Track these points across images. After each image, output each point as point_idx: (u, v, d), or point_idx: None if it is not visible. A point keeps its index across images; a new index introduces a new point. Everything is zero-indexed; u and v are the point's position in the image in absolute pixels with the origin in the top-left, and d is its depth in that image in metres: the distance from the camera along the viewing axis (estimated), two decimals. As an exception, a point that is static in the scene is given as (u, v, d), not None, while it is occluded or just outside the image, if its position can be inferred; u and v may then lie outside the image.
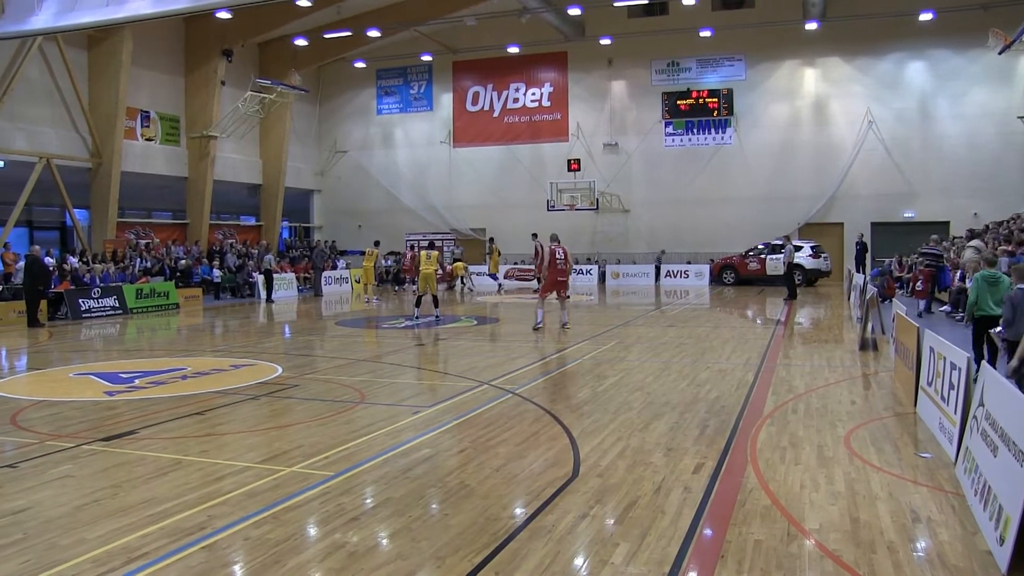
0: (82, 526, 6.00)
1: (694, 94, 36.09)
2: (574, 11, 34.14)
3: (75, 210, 29.63)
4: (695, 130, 36.48)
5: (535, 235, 29.00)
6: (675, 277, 35.46)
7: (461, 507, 6.33)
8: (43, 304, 22.32)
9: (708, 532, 5.80)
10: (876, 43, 33.68)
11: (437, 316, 20.94)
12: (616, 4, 33.72)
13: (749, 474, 7.09)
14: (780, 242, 31.14)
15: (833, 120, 34.67)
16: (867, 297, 16.12)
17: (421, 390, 11.59)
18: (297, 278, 33.48)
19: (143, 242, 31.68)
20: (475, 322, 21.20)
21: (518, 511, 6.28)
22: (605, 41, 36.14)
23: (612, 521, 5.98)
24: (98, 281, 25.37)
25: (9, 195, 27.04)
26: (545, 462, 7.55)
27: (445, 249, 37.95)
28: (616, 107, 37.71)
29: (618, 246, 37.70)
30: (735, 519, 5.99)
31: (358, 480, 7.07)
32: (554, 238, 18.55)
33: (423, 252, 21.19)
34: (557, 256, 18.19)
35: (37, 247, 22.63)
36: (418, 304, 21.09)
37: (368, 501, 6.55)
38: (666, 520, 5.98)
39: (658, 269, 35.87)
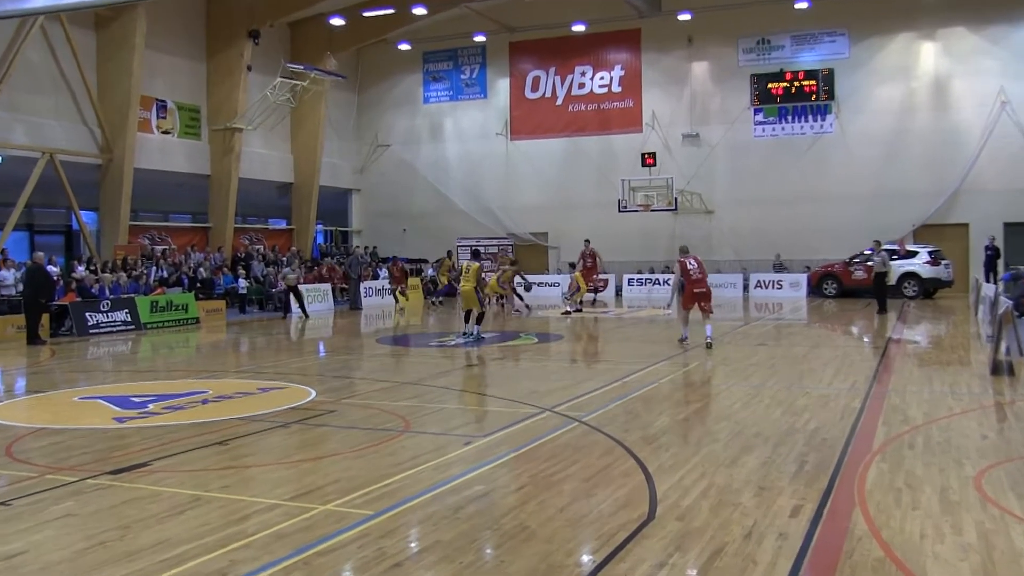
0: (85, 572, 6.02)
1: (788, 76, 35.79)
2: (649, -19, 34.13)
3: (82, 212, 30.29)
4: (789, 117, 36.16)
5: (588, 241, 29.19)
6: (766, 288, 35.12)
7: (520, 552, 6.25)
8: (45, 318, 22.72)
9: (812, 588, 5.65)
10: (1012, 8, 32.91)
11: (465, 333, 20.71)
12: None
13: (857, 519, 6.89)
14: (894, 247, 30.59)
15: (956, 103, 34.02)
16: (1000, 312, 15.69)
17: (474, 417, 11.54)
18: (334, 289, 33.77)
19: (159, 248, 32.25)
20: (536, 340, 21.16)
21: (585, 558, 6.18)
22: (684, 16, 35.98)
23: (694, 572, 5.85)
24: (107, 292, 25.83)
25: (8, 195, 27.58)
26: (616, 502, 7.43)
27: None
28: (697, 92, 37.51)
29: (700, 252, 37.19)
30: (841, 572, 5.82)
31: (401, 520, 7.02)
32: (684, 250, 19.04)
33: (463, 264, 21.61)
34: (690, 267, 18.30)
35: (40, 254, 23.10)
36: (467, 319, 21.05)
37: (413, 545, 6.49)
38: (758, 572, 5.83)
39: (777, 266, 35.67)
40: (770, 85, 36.03)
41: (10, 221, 27.73)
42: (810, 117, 35.89)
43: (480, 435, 10.15)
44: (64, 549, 6.50)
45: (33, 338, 21.78)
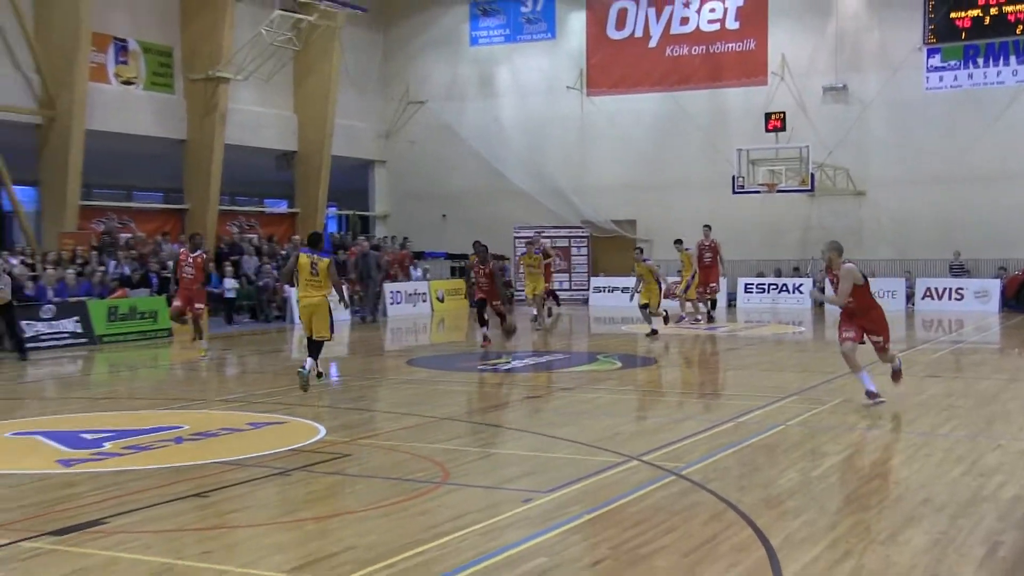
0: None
1: (981, 1, 35.22)
2: None
3: (16, 188, 30.65)
4: (980, 61, 35.46)
5: (708, 227, 28.73)
6: (939, 298, 34.73)
7: (599, 651, 6.26)
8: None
9: None
10: None
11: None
12: None
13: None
14: None
15: None
16: None
17: (535, 466, 11.55)
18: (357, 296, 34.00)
19: (123, 236, 32.61)
20: (619, 364, 21.13)
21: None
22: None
23: None
24: (50, 294, 26.17)
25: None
26: (729, 585, 7.43)
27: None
28: (846, 28, 37.20)
29: (846, 249, 36.59)
30: None
31: (438, 603, 7.07)
32: (839, 249, 15.99)
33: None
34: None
35: None
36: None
37: (454, 637, 6.55)
38: None
39: (956, 269, 35.33)
40: (953, 14, 35.25)
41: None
42: (1012, 60, 35.03)
43: (543, 491, 10.17)
44: (-8, 634, 6.65)
45: None
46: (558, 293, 33.68)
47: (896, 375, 15.47)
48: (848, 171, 36.52)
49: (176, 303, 21.50)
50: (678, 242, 29.37)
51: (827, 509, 9.48)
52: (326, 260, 17.00)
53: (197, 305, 21.26)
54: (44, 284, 26.35)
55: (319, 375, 17.56)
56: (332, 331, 17.60)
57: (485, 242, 27.62)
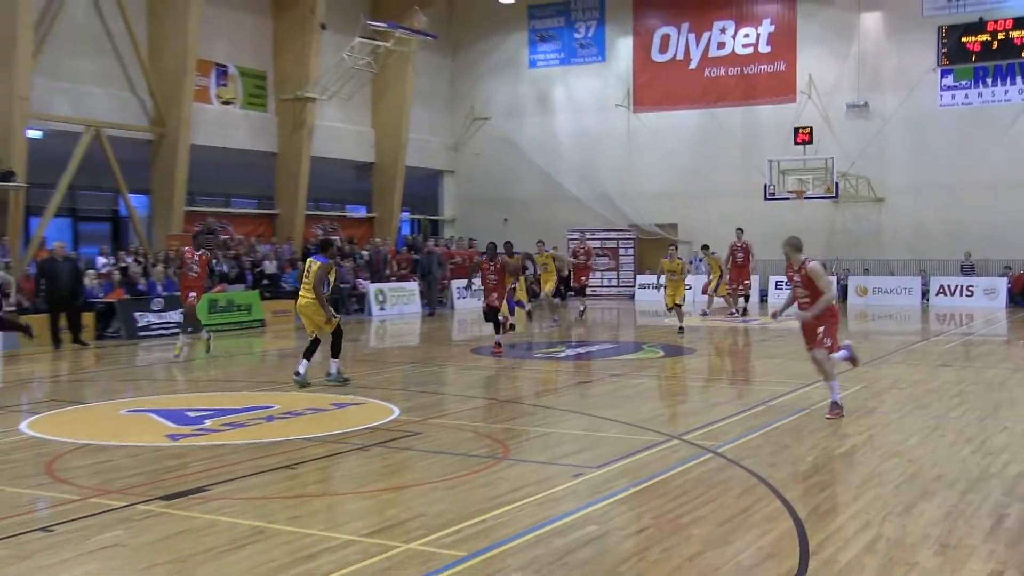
0: (135, 611, 6.25)
1: (990, 26, 34.60)
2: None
3: (131, 196, 31.01)
4: (989, 80, 34.99)
5: (740, 231, 28.52)
6: (951, 295, 34.34)
7: (641, 608, 6.27)
8: (89, 318, 23.53)
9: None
10: None
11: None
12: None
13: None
14: None
15: None
16: None
17: (586, 444, 11.55)
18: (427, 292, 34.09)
19: (223, 238, 33.00)
20: (662, 353, 21.07)
21: (721, 619, 6.18)
22: (853, -45, 35.48)
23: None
24: (159, 289, 26.51)
25: (49, 175, 28.03)
26: (759, 552, 7.38)
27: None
28: (868, 51, 36.82)
29: (867, 250, 36.76)
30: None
31: (498, 565, 7.08)
32: (793, 244, 15.26)
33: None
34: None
35: (60, 243, 23.83)
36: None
37: (512, 594, 6.56)
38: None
39: (966, 268, 34.96)
40: (964, 39, 34.83)
41: (51, 205, 28.29)
42: (1018, 80, 34.47)
43: (593, 466, 10.17)
44: (111, 585, 6.75)
45: (57, 340, 22.41)
46: (588, 289, 32.83)
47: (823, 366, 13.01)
48: (869, 180, 36.14)
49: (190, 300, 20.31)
50: (705, 247, 29.35)
51: (849, 484, 9.42)
52: (317, 264, 15.99)
53: (192, 295, 20.16)
54: (154, 280, 26.68)
55: (344, 380, 16.30)
56: (330, 320, 16.39)
57: (542, 241, 27.63)
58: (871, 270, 36.41)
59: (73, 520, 8.28)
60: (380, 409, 13.79)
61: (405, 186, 39.67)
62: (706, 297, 29.80)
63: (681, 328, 24.24)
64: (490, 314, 20.46)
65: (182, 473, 10.06)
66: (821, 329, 12.68)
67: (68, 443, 11.65)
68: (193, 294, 20.19)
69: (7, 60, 26.03)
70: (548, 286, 27.81)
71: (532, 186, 41.58)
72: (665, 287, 24.67)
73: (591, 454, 10.86)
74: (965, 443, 11.41)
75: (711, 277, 29.35)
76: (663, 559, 7.18)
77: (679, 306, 24.46)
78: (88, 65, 29.51)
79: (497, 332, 20.34)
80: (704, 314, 28.77)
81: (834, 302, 13.05)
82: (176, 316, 25.50)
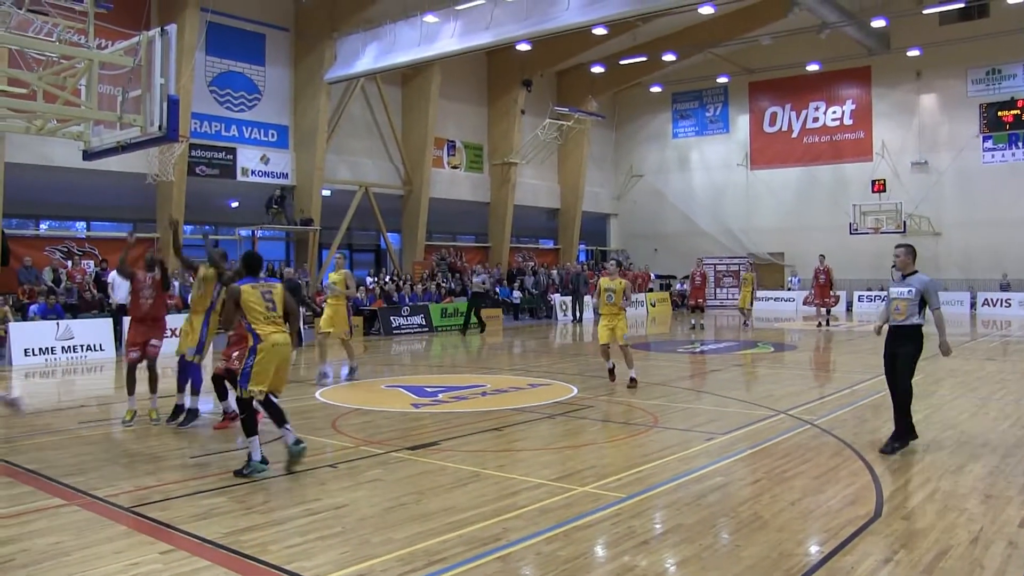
0: (389, 527, 6.44)
1: (1020, 103, 33.04)
2: (878, 23, 32.39)
3: (388, 234, 32.23)
4: (1020, 143, 33.32)
5: (823, 256, 27.41)
6: (993, 306, 32.56)
7: (754, 539, 6.15)
8: (359, 320, 24.27)
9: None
10: None
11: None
12: (926, 12, 31.68)
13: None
14: None
15: None
16: None
17: (715, 416, 11.38)
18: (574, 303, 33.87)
19: (449, 260, 33.91)
20: (772, 349, 20.63)
21: (814, 549, 6.01)
22: (913, 52, 33.94)
23: (920, 570, 5.54)
24: (407, 300, 27.26)
25: (334, 220, 29.87)
26: (844, 499, 7.17)
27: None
28: (926, 122, 35.32)
29: (927, 272, 34.79)
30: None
31: (649, 504, 7.06)
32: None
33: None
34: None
35: (290, 269, 25.02)
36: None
37: (658, 526, 6.52)
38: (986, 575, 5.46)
39: (1004, 286, 33.17)
40: (1000, 113, 33.37)
41: (335, 241, 30.16)
42: (1044, 143, 32.97)
43: (720, 432, 10.02)
44: (374, 506, 6.99)
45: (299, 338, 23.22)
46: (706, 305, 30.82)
47: None
48: (929, 219, 34.66)
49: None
50: (821, 256, 27.71)
51: (914, 449, 9.04)
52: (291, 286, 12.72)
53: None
54: (403, 294, 27.44)
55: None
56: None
57: (684, 266, 27.04)
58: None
59: (350, 461, 8.61)
60: (564, 388, 13.84)
61: (582, 225, 39.88)
62: (812, 308, 28.42)
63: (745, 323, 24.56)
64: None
65: (422, 431, 10.31)
66: None
67: (345, 407, 12.04)
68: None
69: (311, 143, 28.06)
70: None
71: (675, 224, 41.12)
72: (598, 315, 14.56)
73: (719, 424, 10.69)
74: (1005, 419, 10.87)
75: (742, 293, 27.70)
76: (772, 503, 7.05)
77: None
78: (361, 144, 30.87)
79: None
80: (746, 325, 27.35)
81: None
82: (419, 320, 26.29)
